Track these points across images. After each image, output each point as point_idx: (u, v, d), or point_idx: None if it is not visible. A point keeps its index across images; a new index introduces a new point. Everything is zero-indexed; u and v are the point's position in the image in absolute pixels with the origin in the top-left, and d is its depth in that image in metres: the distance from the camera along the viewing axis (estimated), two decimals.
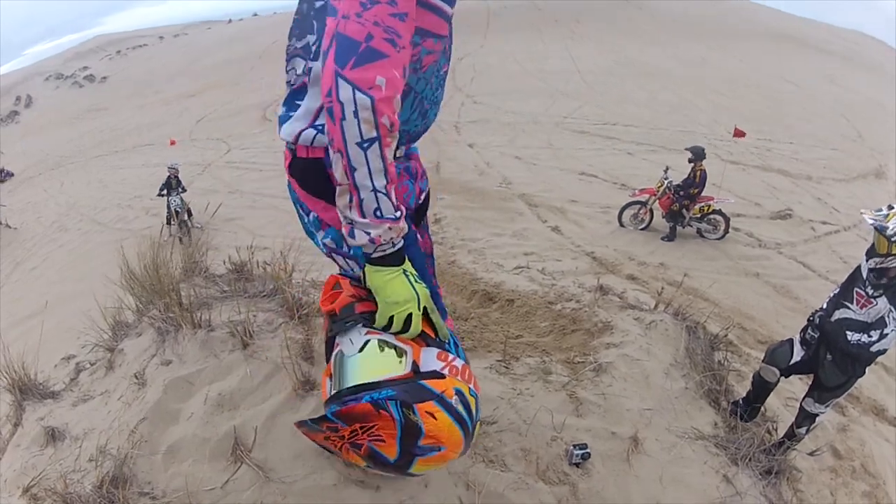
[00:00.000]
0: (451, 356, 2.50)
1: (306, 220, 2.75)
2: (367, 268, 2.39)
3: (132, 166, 30.85)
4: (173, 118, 47.06)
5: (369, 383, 2.30)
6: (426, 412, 2.28)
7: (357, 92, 2.04)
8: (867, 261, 5.21)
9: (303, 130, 2.49)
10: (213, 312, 5.50)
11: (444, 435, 2.31)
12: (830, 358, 5.51)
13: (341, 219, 2.32)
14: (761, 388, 5.99)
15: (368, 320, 2.42)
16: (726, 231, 15.09)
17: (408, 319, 2.40)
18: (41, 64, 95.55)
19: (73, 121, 58.74)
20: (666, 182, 15.20)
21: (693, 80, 41.05)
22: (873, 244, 5.18)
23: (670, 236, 15.14)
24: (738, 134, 17.27)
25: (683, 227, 15.21)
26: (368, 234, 2.27)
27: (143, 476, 4.14)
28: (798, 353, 5.78)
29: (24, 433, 5.13)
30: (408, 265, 2.44)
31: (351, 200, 2.23)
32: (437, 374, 2.39)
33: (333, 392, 2.37)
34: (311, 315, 5.56)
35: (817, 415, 5.82)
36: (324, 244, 2.67)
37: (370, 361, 2.35)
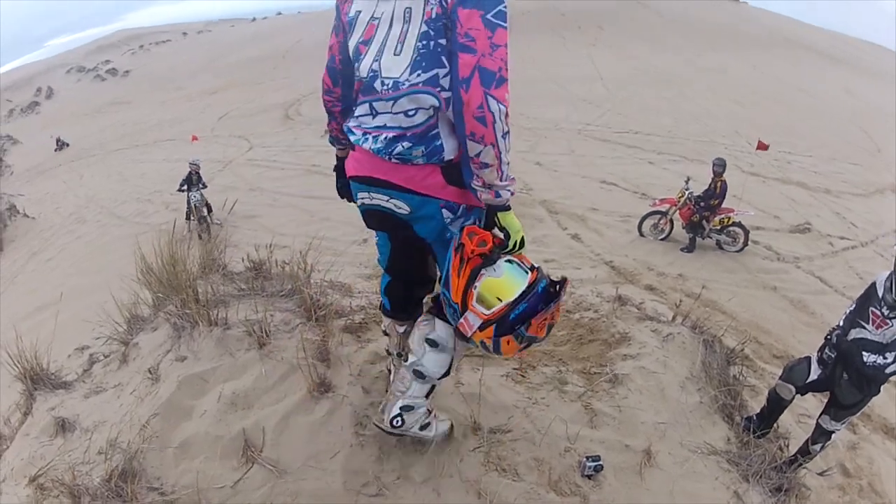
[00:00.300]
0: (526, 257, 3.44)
1: (451, 219, 3.38)
2: (501, 214, 3.25)
3: (153, 161, 30.91)
4: (195, 114, 47.10)
5: (527, 288, 3.19)
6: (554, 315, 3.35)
7: (499, 104, 2.87)
8: (894, 294, 5.16)
9: (460, 147, 3.13)
10: (229, 310, 5.49)
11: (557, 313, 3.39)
12: (847, 377, 5.48)
13: (485, 190, 3.12)
14: (776, 405, 5.96)
15: (502, 251, 3.29)
16: (745, 243, 15.02)
17: (522, 240, 3.34)
18: (63, 56, 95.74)
19: (94, 114, 58.90)
20: (687, 193, 15.12)
21: (714, 89, 40.86)
22: None
23: (690, 247, 15.07)
24: (762, 147, 17.17)
25: (703, 239, 15.15)
26: (510, 191, 3.15)
27: (152, 471, 4.14)
28: (815, 372, 5.75)
29: (34, 422, 5.14)
30: None
31: (496, 173, 3.05)
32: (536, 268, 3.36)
33: (508, 303, 3.14)
34: (329, 316, 5.55)
35: (833, 432, 5.81)
36: (463, 227, 3.35)
37: (514, 277, 3.22)
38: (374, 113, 3.22)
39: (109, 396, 5.15)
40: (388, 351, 4.44)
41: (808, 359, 5.88)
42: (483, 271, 3.19)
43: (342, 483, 4.02)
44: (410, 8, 2.98)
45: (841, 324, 5.58)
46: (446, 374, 3.86)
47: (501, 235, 3.32)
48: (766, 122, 30.93)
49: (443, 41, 2.98)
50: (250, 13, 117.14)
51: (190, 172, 18.22)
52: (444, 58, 3.00)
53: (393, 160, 3.18)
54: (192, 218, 18.01)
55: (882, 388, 5.53)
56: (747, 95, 39.08)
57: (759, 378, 8.32)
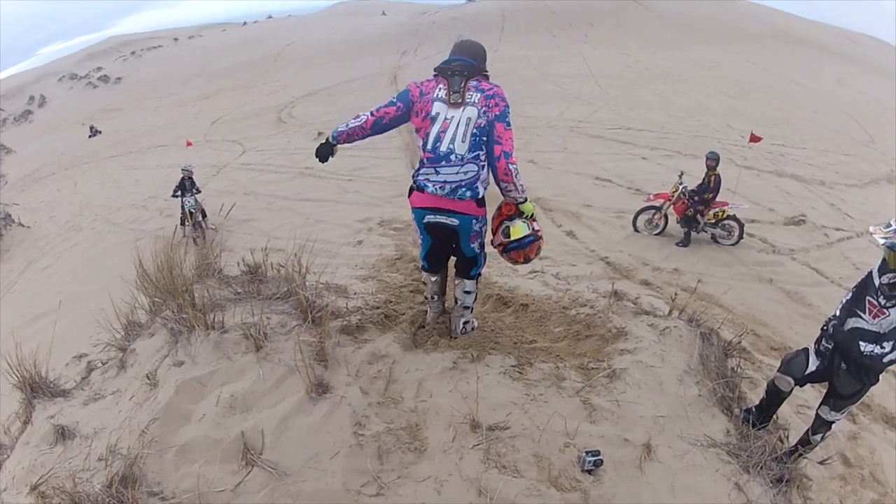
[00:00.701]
0: (536, 223, 5.98)
1: (476, 223, 5.83)
2: (522, 204, 5.82)
3: (146, 167, 30.78)
4: (188, 120, 46.85)
5: (526, 234, 5.79)
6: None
7: (514, 165, 5.46)
8: (880, 276, 5.18)
9: (485, 189, 5.64)
10: (226, 314, 5.50)
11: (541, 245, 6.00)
12: (845, 367, 5.48)
13: (511, 198, 5.79)
14: (775, 397, 5.96)
15: (520, 216, 5.90)
16: (740, 237, 14.96)
17: (532, 214, 5.91)
18: (55, 64, 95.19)
19: (86, 121, 58.62)
20: (681, 187, 15.06)
21: (706, 83, 40.72)
22: (884, 259, 5.16)
23: (685, 242, 15.02)
24: (754, 139, 17.14)
25: (698, 233, 15.08)
26: (524, 196, 5.77)
27: (153, 476, 4.14)
28: (813, 363, 5.75)
29: (34, 431, 5.14)
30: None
31: (516, 193, 5.66)
32: (536, 230, 5.92)
33: (514, 239, 5.84)
34: (325, 318, 5.55)
35: (833, 422, 5.80)
36: (482, 229, 5.96)
37: (521, 228, 5.82)
38: (437, 172, 5.56)
39: (108, 403, 5.15)
40: (426, 296, 6.76)
41: (806, 350, 5.88)
42: (507, 222, 5.95)
43: (342, 483, 4.02)
44: (470, 118, 5.47)
45: (837, 314, 5.58)
46: (475, 299, 6.61)
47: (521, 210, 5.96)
48: (760, 116, 30.90)
49: (483, 137, 5.53)
50: (241, 17, 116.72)
51: (183, 178, 18.11)
52: (483, 146, 5.55)
53: (455, 199, 5.62)
54: (186, 223, 17.93)
55: (881, 377, 5.54)
56: (741, 89, 39.04)
57: (757, 370, 8.32)
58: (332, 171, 21.31)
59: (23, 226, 23.67)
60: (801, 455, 5.62)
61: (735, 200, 15.29)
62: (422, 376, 5.21)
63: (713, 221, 14.90)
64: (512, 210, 5.90)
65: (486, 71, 5.81)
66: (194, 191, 18.16)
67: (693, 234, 15.02)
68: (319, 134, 28.96)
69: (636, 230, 15.70)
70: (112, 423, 4.72)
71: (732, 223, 14.92)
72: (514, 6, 71.63)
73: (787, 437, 6.07)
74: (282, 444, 4.25)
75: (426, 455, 4.31)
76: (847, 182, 21.53)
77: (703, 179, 14.82)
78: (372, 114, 5.72)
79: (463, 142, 5.47)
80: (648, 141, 25.28)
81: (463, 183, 5.55)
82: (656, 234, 15.48)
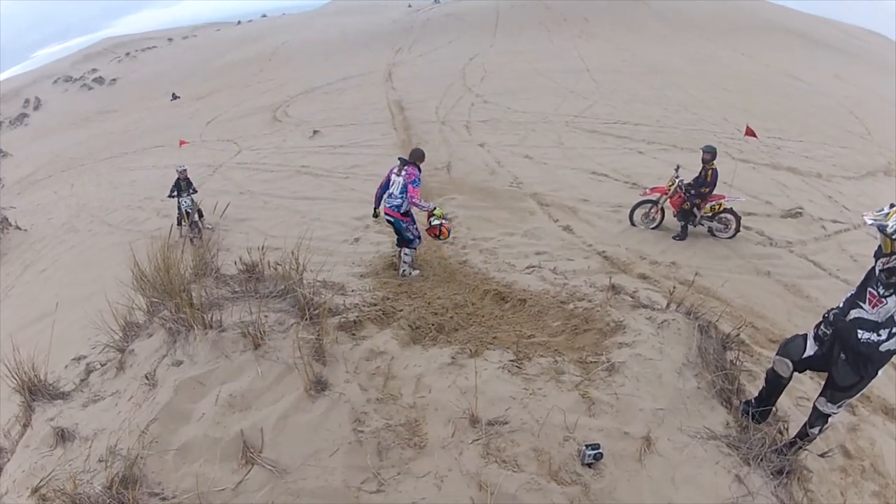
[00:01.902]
0: (444, 219, 11.78)
1: (404, 226, 11.15)
2: (433, 210, 11.43)
3: (142, 168, 30.68)
4: (183, 120, 46.65)
5: (434, 223, 11.56)
6: (446, 228, 11.73)
7: (418, 200, 10.95)
8: (876, 262, 5.20)
9: (410, 208, 11.15)
10: (224, 313, 5.50)
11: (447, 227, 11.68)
12: (844, 357, 5.48)
13: (421, 210, 11.19)
14: (775, 384, 5.94)
15: (437, 217, 11.44)
16: (737, 230, 14.92)
17: (442, 214, 11.84)
18: (50, 66, 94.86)
19: (82, 123, 58.50)
20: (677, 181, 15.01)
21: (702, 77, 40.62)
22: (880, 245, 5.17)
23: (681, 235, 14.99)
24: (750, 133, 17.08)
25: (695, 226, 15.04)
26: (430, 209, 11.40)
27: (153, 477, 4.13)
28: (811, 348, 5.74)
29: (34, 434, 5.13)
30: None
31: (425, 208, 11.20)
32: (443, 222, 11.65)
33: (430, 226, 11.57)
34: (323, 315, 5.55)
35: (830, 415, 5.78)
36: (408, 226, 11.19)
37: (433, 220, 11.50)
38: (390, 200, 11.05)
39: (108, 404, 5.15)
40: (395, 256, 11.54)
41: (805, 335, 5.87)
42: (431, 217, 11.41)
43: (342, 480, 4.02)
44: (400, 181, 10.92)
45: (841, 305, 5.59)
46: (413, 260, 11.45)
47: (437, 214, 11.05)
48: (756, 109, 30.80)
49: (405, 189, 10.85)
50: (235, 16, 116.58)
51: (178, 178, 18.08)
52: (405, 193, 10.86)
53: (393, 211, 10.98)
54: (183, 223, 17.90)
55: (880, 371, 5.53)
56: (737, 83, 38.97)
57: (755, 363, 8.30)
58: (328, 169, 21.33)
59: (20, 229, 23.63)
60: (800, 447, 5.62)
61: (732, 194, 15.25)
62: (420, 372, 5.21)
63: (710, 215, 14.86)
64: (430, 214, 11.18)
65: (417, 162, 10.89)
66: (191, 191, 18.11)
67: (690, 227, 14.99)
68: (315, 133, 28.96)
69: (633, 224, 15.66)
70: (112, 425, 4.72)
71: (729, 216, 14.88)
72: (508, 2, 71.58)
73: (787, 429, 6.06)
74: (281, 441, 4.25)
75: (426, 451, 4.32)
76: (844, 174, 21.50)
77: (700, 173, 14.77)
78: (379, 185, 11.25)
79: (397, 190, 10.80)
80: (645, 135, 25.25)
81: (396, 206, 10.82)
82: (653, 228, 15.44)
